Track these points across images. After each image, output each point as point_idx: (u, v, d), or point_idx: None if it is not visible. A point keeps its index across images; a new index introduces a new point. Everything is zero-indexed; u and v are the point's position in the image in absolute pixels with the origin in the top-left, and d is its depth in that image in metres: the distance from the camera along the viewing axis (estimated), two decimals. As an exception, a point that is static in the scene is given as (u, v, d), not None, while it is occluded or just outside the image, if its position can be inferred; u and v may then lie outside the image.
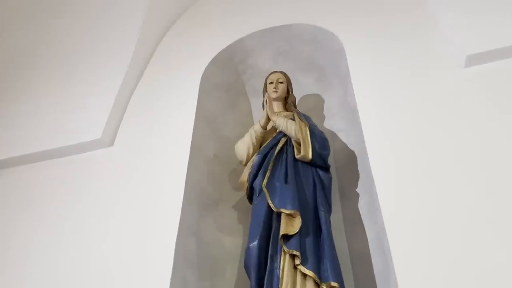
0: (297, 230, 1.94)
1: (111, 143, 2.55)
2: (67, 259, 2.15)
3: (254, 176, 2.27)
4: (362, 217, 2.26)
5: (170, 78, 2.80)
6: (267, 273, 1.93)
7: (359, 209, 2.30)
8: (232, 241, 2.43)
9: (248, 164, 2.34)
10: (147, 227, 2.11)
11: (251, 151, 2.39)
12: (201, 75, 2.74)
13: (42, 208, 2.39)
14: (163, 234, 2.03)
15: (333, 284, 1.82)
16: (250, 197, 2.34)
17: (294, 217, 1.99)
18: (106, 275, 1.99)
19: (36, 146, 2.53)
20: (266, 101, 2.46)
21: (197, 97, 2.62)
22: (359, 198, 2.34)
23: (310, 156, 2.21)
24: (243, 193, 2.64)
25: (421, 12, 2.43)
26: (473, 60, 2.07)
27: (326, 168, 2.29)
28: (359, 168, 2.42)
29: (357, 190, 2.37)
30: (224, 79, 2.94)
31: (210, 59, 2.82)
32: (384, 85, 2.22)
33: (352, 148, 2.52)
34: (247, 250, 2.02)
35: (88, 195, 2.37)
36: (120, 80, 2.71)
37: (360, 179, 2.39)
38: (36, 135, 2.58)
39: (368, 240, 2.16)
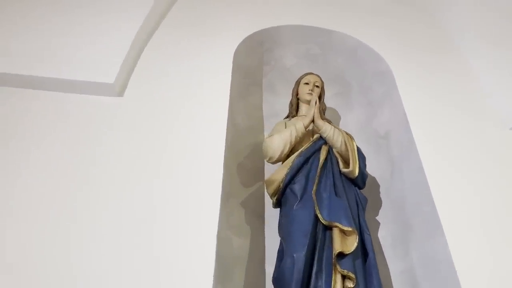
0: (353, 250, 1.76)
1: (121, 93, 2.07)
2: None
3: (291, 178, 2.03)
4: (384, 248, 2.18)
5: (196, 38, 2.42)
6: (311, 291, 1.70)
7: (379, 239, 2.23)
8: (240, 242, 2.12)
9: (286, 163, 2.08)
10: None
11: (286, 150, 2.13)
12: (234, 50, 2.42)
13: (28, 142, 1.84)
14: (202, 227, 1.69)
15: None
16: (278, 199, 2.08)
17: (347, 235, 1.81)
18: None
19: (32, 70, 1.92)
20: (316, 102, 2.24)
21: (231, 71, 2.30)
22: (380, 227, 2.27)
23: (356, 173, 2.07)
24: (250, 190, 2.40)
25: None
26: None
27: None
28: (381, 195, 2.36)
29: (377, 218, 2.30)
30: (247, 62, 2.64)
31: (244, 37, 2.51)
32: (440, 123, 2.20)
33: (373, 174, 2.45)
34: (289, 260, 1.73)
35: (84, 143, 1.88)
36: (140, 22, 2.26)
37: (382, 208, 2.32)
38: (34, 58, 1.98)
39: (391, 273, 2.08)
